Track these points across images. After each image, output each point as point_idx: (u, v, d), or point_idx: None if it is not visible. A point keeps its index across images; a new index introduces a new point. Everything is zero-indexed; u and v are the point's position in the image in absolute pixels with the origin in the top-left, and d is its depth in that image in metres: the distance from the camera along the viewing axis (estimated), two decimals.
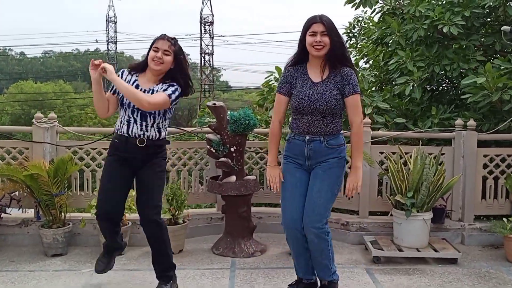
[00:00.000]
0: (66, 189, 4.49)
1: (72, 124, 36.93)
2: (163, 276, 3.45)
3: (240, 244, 4.44)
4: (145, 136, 3.26)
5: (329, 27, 3.05)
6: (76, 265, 4.15)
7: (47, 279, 3.85)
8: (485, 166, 4.88)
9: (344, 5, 6.99)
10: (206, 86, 44.31)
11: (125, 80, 3.27)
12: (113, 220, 3.42)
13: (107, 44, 58.86)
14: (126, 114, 3.27)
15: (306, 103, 3.12)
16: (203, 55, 43.76)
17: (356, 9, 6.85)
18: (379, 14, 7.23)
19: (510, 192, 4.84)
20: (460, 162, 4.84)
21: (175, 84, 3.27)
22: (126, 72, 3.37)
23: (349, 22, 9.10)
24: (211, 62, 44.47)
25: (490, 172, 4.89)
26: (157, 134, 3.31)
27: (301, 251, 3.29)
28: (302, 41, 3.14)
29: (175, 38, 3.33)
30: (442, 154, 4.79)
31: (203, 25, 43.82)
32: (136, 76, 3.34)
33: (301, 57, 3.21)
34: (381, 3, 7.00)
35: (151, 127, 3.28)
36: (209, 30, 44.32)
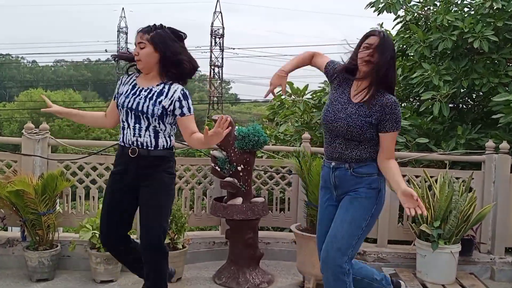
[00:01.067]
0: (55, 207, 4.08)
1: (80, 132, 36.87)
2: None
3: (245, 273, 3.99)
4: (138, 143, 2.87)
5: (384, 45, 2.61)
6: None
7: None
8: None
9: (365, 8, 6.64)
10: (215, 98, 44.16)
11: (125, 81, 2.99)
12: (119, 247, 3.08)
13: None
14: (120, 119, 2.97)
15: (329, 118, 2.71)
16: (212, 67, 43.66)
17: (379, 14, 6.46)
18: (399, 26, 6.86)
19: None
20: (491, 188, 4.39)
21: (179, 91, 2.89)
22: (125, 76, 3.02)
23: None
24: (220, 74, 44.39)
25: None
26: (153, 141, 2.89)
27: None
28: (355, 52, 2.70)
29: (150, 25, 2.89)
30: (472, 179, 4.33)
31: (213, 37, 43.82)
32: (136, 76, 2.99)
33: (350, 69, 2.74)
34: (402, 14, 6.62)
35: (145, 131, 2.88)
36: (219, 43, 44.29)
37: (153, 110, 2.83)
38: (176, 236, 4.04)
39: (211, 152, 4.29)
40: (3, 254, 4.23)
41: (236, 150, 4.01)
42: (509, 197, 4.36)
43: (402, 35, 6.50)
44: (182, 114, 2.90)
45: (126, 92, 2.91)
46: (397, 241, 4.62)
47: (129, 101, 2.86)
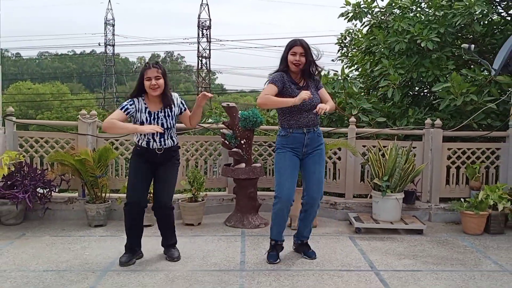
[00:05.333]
0: (106, 173, 5.49)
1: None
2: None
3: (248, 218, 5.45)
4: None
5: (306, 50, 4.06)
6: (116, 233, 5.14)
7: (96, 241, 4.85)
8: (449, 157, 5.93)
9: (338, 18, 8.08)
10: (202, 89, 45.32)
11: (139, 108, 4.09)
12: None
13: (105, 46, 59.79)
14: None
15: (307, 101, 4.02)
16: (200, 58, 44.78)
17: (348, 21, 7.93)
18: (367, 27, 8.31)
19: (469, 179, 5.89)
20: (429, 154, 5.89)
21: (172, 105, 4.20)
22: (136, 100, 4.11)
23: (341, 33, 10.19)
24: (208, 65, 45.51)
25: (453, 163, 5.95)
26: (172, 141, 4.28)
27: (286, 218, 4.39)
28: (285, 57, 4.12)
29: (157, 62, 4.16)
30: (414, 147, 5.84)
31: (200, 29, 44.91)
32: (144, 102, 4.11)
33: (284, 69, 4.15)
34: (369, 18, 8.07)
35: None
36: (207, 34, 45.41)
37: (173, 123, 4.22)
38: (197, 192, 5.49)
39: (221, 130, 5.72)
40: (65, 209, 5.64)
41: (240, 128, 5.45)
42: (442, 160, 5.88)
43: (368, 36, 7.97)
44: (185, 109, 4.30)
45: (147, 119, 4.08)
46: (359, 194, 6.15)
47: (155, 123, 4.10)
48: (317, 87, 4.23)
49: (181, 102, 4.29)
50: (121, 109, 4.07)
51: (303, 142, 4.19)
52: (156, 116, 4.12)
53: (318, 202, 4.32)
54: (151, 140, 4.14)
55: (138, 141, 4.19)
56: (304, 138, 4.18)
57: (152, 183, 4.35)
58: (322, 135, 4.34)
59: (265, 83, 4.12)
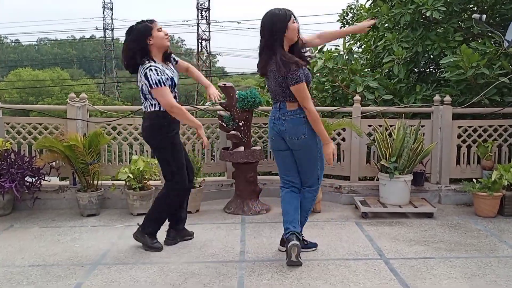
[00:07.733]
0: (97, 159, 5.20)
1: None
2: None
3: (248, 204, 5.17)
4: None
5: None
6: (109, 222, 4.88)
7: (87, 232, 4.57)
8: (459, 136, 5.61)
9: None
10: (203, 72, 44.80)
11: (165, 71, 3.81)
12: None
13: (104, 31, 59.18)
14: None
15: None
16: (200, 41, 44.18)
17: None
18: (370, 1, 7.94)
19: (481, 158, 5.58)
20: (438, 132, 5.57)
21: None
22: (156, 64, 3.79)
23: (343, 10, 9.80)
24: (208, 48, 44.92)
25: (464, 141, 5.63)
26: None
27: None
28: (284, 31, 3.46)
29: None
30: (422, 126, 5.52)
31: (199, 11, 44.22)
32: (159, 64, 3.84)
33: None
34: None
35: None
36: (206, 16, 44.73)
37: None
38: (194, 177, 5.18)
39: (218, 112, 5.41)
40: (56, 198, 5.37)
41: (238, 109, 5.13)
42: (452, 139, 5.56)
43: (372, 10, 7.59)
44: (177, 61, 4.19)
45: (173, 75, 3.90)
46: (365, 177, 5.85)
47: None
48: None
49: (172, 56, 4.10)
50: (164, 84, 3.73)
51: None
52: (172, 70, 3.98)
53: None
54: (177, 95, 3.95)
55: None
56: None
57: None
58: None
59: (294, 82, 3.43)
